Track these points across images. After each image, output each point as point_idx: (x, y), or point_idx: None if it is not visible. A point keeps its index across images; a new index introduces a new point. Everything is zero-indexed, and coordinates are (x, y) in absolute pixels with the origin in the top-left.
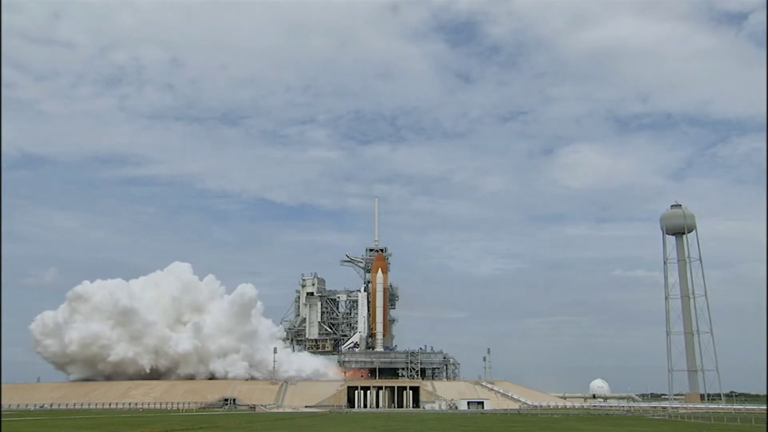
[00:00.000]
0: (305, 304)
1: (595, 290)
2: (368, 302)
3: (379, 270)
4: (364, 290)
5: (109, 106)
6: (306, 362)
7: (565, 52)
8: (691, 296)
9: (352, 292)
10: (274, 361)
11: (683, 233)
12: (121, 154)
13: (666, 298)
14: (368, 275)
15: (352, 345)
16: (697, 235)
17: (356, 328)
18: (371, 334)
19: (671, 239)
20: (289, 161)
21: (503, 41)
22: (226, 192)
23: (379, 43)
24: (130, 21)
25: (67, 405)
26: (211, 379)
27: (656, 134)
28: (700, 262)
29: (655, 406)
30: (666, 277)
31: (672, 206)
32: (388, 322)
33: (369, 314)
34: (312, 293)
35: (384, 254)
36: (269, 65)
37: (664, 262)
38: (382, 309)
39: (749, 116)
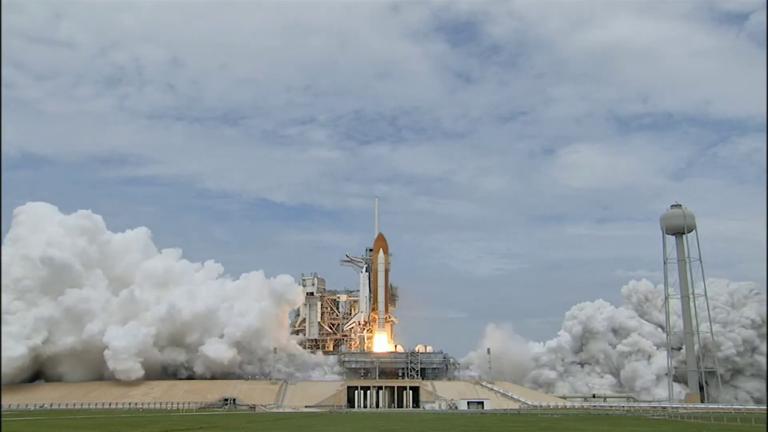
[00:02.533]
0: (305, 304)
1: (596, 290)
2: (369, 283)
3: (381, 250)
4: (366, 270)
5: (109, 106)
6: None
7: (565, 52)
8: (691, 296)
9: (352, 292)
10: (274, 360)
11: (683, 233)
12: (122, 154)
13: (666, 298)
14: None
15: (355, 324)
16: (697, 235)
17: (356, 329)
18: (372, 318)
19: (671, 239)
20: (290, 161)
21: (504, 41)
22: (227, 192)
23: (379, 43)
24: (131, 21)
25: (67, 405)
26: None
27: (657, 134)
28: (700, 262)
29: (655, 406)
30: (666, 277)
31: (672, 206)
32: (389, 301)
33: (371, 294)
34: (312, 293)
35: (386, 251)
36: (269, 65)
37: (664, 262)
38: (383, 288)
39: (750, 116)
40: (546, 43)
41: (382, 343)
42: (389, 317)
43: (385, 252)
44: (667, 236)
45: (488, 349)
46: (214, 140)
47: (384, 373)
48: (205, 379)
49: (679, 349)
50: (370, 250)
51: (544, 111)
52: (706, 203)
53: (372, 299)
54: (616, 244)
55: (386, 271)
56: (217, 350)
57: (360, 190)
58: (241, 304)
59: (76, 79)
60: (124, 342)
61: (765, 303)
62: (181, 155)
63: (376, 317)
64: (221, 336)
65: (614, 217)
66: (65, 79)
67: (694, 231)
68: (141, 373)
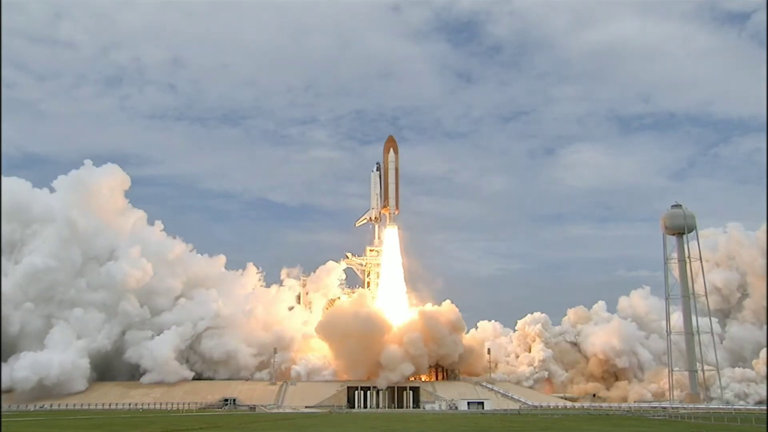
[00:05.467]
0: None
1: (598, 290)
2: (380, 181)
3: (391, 150)
4: (376, 170)
5: (110, 106)
6: None
7: (567, 52)
8: (691, 296)
9: (353, 290)
10: (274, 360)
11: (683, 233)
12: (122, 154)
13: (666, 298)
14: (368, 277)
15: (366, 220)
16: (697, 235)
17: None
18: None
19: (672, 239)
20: (291, 161)
21: (505, 41)
22: (228, 192)
23: (380, 43)
24: (132, 21)
25: (67, 405)
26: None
27: (658, 134)
28: (701, 262)
29: (655, 407)
30: (666, 277)
31: (672, 206)
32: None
33: (381, 191)
34: None
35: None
36: (270, 65)
37: (665, 262)
38: (394, 186)
39: (751, 116)
40: (547, 43)
41: (392, 236)
42: (398, 213)
43: (396, 152)
44: (668, 236)
45: (488, 350)
46: (215, 140)
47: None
48: (207, 379)
49: None
50: (371, 250)
51: (545, 111)
52: (707, 203)
53: (383, 196)
54: (617, 244)
55: (396, 170)
56: (245, 354)
57: (361, 190)
58: (276, 308)
59: (76, 79)
60: (165, 350)
61: (765, 305)
62: (182, 155)
63: (388, 213)
64: (249, 344)
65: (616, 217)
66: (66, 79)
67: (694, 231)
68: (189, 374)
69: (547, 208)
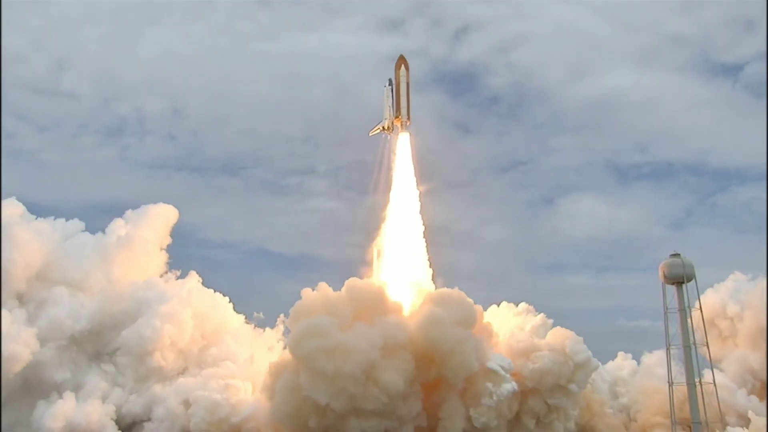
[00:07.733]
0: None
1: (599, 340)
2: (392, 93)
3: (402, 66)
4: (389, 84)
5: (111, 156)
6: None
7: (564, 103)
8: (692, 346)
9: None
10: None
11: (683, 282)
12: (122, 203)
13: (667, 348)
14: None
15: (379, 130)
16: (696, 285)
17: None
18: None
19: (671, 288)
20: (289, 211)
21: (503, 92)
22: (227, 242)
23: (379, 94)
24: (133, 73)
25: None
26: None
27: (656, 183)
28: (701, 311)
29: None
30: (666, 327)
31: (671, 255)
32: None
33: (393, 102)
34: None
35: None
36: (270, 116)
37: (665, 312)
38: (405, 98)
39: (748, 165)
40: (545, 94)
41: (404, 143)
42: (410, 123)
43: (407, 69)
44: (667, 286)
45: None
46: (214, 190)
47: None
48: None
49: None
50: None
51: (543, 161)
52: (706, 252)
53: (395, 107)
54: (617, 293)
55: (407, 84)
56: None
57: (360, 240)
58: None
59: (77, 129)
60: (178, 401)
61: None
62: (181, 205)
63: (400, 123)
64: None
65: (615, 266)
66: (67, 129)
67: (693, 280)
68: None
69: (547, 258)
